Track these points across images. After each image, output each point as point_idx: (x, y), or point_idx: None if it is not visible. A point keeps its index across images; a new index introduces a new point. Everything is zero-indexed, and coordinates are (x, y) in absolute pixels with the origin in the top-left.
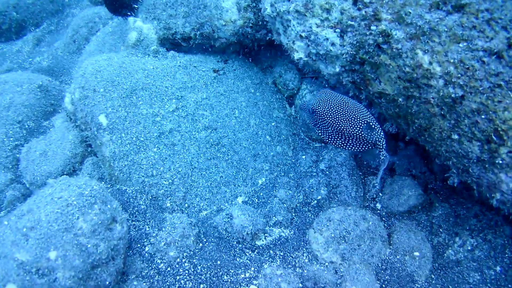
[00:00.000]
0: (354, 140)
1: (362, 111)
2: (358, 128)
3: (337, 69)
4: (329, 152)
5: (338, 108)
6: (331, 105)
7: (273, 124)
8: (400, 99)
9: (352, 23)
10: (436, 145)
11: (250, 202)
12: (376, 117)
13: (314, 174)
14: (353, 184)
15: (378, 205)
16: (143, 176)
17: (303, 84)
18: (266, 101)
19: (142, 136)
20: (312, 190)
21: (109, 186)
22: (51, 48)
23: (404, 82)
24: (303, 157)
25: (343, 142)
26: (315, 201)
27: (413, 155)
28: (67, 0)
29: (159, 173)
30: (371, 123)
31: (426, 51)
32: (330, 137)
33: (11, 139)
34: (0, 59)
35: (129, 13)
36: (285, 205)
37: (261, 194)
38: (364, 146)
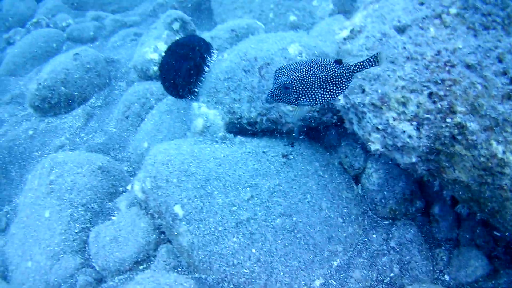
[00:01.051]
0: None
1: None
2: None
3: (413, 159)
4: (398, 229)
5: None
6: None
7: (343, 205)
8: (474, 186)
9: (428, 116)
10: (508, 225)
11: (327, 284)
12: None
13: (386, 252)
14: (423, 258)
15: (446, 277)
16: (224, 266)
17: (368, 163)
18: (335, 183)
19: (220, 226)
20: (385, 268)
21: (187, 274)
22: (103, 124)
23: (478, 170)
24: (374, 235)
25: (327, 92)
26: (388, 278)
27: (475, 225)
28: (113, 73)
29: (240, 262)
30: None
31: (500, 141)
32: (316, 97)
33: (77, 222)
34: (51, 134)
35: (189, 97)
36: (360, 284)
37: (337, 275)
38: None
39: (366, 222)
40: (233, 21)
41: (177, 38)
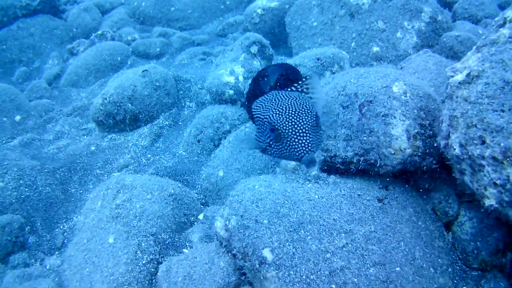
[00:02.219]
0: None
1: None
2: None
3: None
4: (488, 282)
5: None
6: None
7: (435, 254)
8: None
9: None
10: None
11: None
12: None
13: None
14: None
15: None
16: None
17: (461, 210)
18: (428, 230)
19: (313, 274)
20: None
21: None
22: (171, 145)
23: None
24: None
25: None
26: None
27: None
28: (182, 93)
29: None
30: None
31: None
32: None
33: (145, 253)
34: (114, 151)
35: None
36: None
37: None
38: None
39: (455, 273)
40: (318, 49)
41: (255, 62)
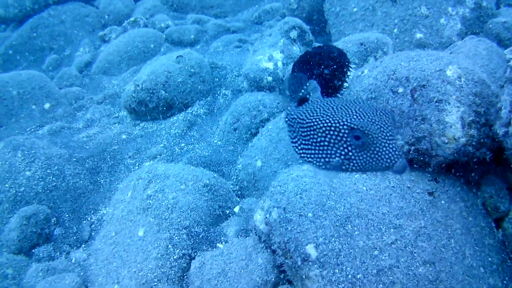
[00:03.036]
0: None
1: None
2: None
3: None
4: None
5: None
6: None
7: (486, 252)
8: None
9: None
10: None
11: None
12: None
13: None
14: None
15: None
16: None
17: None
18: (478, 227)
19: (360, 273)
20: None
21: None
22: (206, 134)
23: None
24: None
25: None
26: None
27: None
28: (217, 80)
29: None
30: None
31: None
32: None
33: (177, 247)
34: (146, 140)
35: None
36: None
37: None
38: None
39: (506, 273)
40: (361, 34)
41: (294, 48)
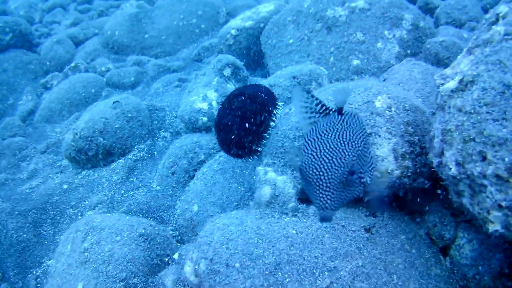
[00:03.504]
0: None
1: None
2: None
3: None
4: None
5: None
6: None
7: (432, 284)
8: None
9: None
10: None
11: None
12: None
13: None
14: None
15: None
16: None
17: (459, 232)
18: (423, 258)
19: None
20: None
21: None
22: (145, 179)
23: None
24: None
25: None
26: None
27: None
28: (156, 123)
29: None
30: None
31: None
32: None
33: None
34: (87, 189)
35: (251, 157)
36: None
37: None
38: None
39: None
40: (294, 67)
41: (229, 85)
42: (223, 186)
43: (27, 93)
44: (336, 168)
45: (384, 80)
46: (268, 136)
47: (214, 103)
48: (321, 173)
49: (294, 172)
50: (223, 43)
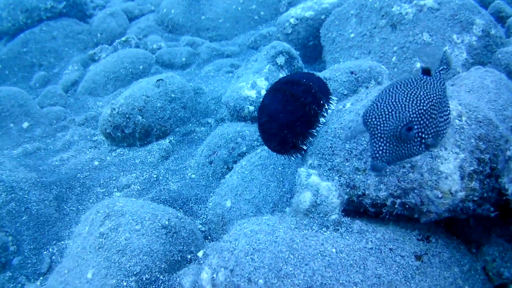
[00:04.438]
0: None
1: None
2: None
3: None
4: None
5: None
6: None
7: None
8: None
9: None
10: None
11: None
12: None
13: None
14: None
15: None
16: None
17: None
18: None
19: None
20: None
21: None
22: (181, 165)
23: None
24: None
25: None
26: None
27: None
28: (201, 106)
29: None
30: None
31: None
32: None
33: None
34: (119, 168)
35: (294, 154)
36: None
37: None
38: None
39: None
40: (353, 62)
41: (281, 75)
42: (261, 184)
43: (73, 63)
44: (393, 120)
45: (452, 85)
46: (316, 134)
47: (263, 92)
48: (378, 123)
49: (341, 179)
50: (280, 31)
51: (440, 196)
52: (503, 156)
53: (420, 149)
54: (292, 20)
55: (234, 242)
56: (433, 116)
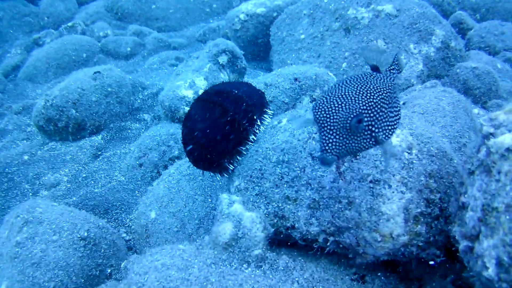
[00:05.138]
0: None
1: None
2: None
3: None
4: None
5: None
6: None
7: None
8: None
9: None
10: None
11: None
12: None
13: None
14: None
15: None
16: None
17: None
18: None
19: None
20: None
21: None
22: (112, 165)
23: None
24: None
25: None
26: None
27: None
28: (139, 102)
29: None
30: None
31: None
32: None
33: None
34: (49, 164)
35: (218, 173)
36: None
37: None
38: None
39: None
40: (298, 67)
41: (222, 75)
42: (187, 196)
43: (16, 47)
44: (342, 112)
45: (403, 103)
46: (245, 152)
47: (201, 93)
48: (328, 115)
49: (269, 207)
50: (229, 26)
51: (379, 239)
52: (456, 200)
53: (370, 142)
54: (242, 16)
55: (143, 276)
56: (383, 109)
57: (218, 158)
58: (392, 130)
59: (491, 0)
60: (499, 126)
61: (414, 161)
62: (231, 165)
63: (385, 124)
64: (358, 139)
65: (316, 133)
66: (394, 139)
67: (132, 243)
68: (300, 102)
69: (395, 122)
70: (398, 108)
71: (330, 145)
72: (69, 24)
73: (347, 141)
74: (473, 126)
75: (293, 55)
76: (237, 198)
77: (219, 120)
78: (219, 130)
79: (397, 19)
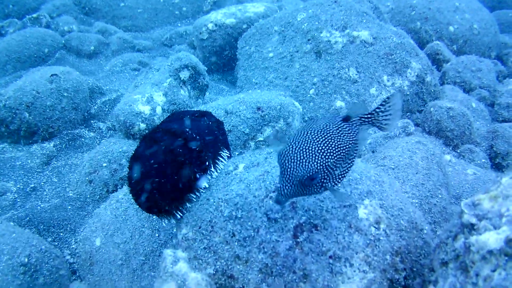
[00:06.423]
0: None
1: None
2: None
3: None
4: None
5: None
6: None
7: None
8: None
9: None
10: None
11: None
12: None
13: None
14: None
15: None
16: None
17: None
18: None
19: None
20: None
21: None
22: (62, 177)
23: None
24: None
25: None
26: None
27: None
28: (97, 108)
29: None
30: None
31: None
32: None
33: None
34: None
35: (163, 218)
36: None
37: None
38: None
39: None
40: (262, 94)
41: (182, 92)
42: (134, 228)
43: None
44: (300, 170)
45: (372, 152)
46: (195, 199)
47: (159, 110)
48: (289, 167)
49: (217, 264)
50: (196, 35)
51: None
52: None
53: (320, 191)
54: (210, 25)
55: None
56: (338, 166)
57: (166, 205)
58: (342, 178)
59: (470, 32)
60: (482, 218)
61: (381, 238)
62: (178, 213)
63: (336, 177)
64: (311, 189)
65: (273, 192)
66: (362, 212)
67: (76, 266)
68: (261, 133)
69: (347, 171)
70: (354, 156)
71: (285, 190)
72: (34, 15)
73: (301, 190)
74: (446, 183)
75: (259, 74)
76: (183, 255)
77: (168, 164)
78: (167, 175)
79: (372, 47)
